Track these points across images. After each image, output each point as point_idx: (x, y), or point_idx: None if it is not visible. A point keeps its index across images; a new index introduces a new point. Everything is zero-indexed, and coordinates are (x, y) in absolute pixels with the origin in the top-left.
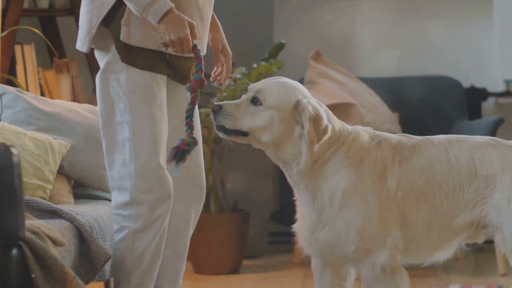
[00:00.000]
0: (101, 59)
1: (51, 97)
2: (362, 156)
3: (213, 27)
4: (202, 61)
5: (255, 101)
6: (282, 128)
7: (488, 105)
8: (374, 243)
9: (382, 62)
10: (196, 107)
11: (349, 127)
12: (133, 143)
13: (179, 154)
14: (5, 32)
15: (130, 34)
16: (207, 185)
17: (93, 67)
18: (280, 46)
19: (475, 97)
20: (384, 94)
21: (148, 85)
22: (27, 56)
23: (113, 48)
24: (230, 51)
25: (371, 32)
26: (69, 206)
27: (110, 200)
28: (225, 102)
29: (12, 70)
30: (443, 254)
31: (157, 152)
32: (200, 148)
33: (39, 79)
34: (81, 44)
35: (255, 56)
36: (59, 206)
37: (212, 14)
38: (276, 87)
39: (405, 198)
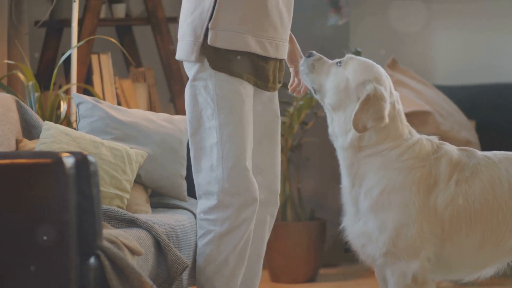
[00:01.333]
0: (190, 68)
1: (128, 106)
2: (415, 166)
3: (289, 40)
4: None
5: (338, 63)
6: (344, 96)
7: None
8: (406, 251)
9: (458, 69)
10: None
11: (415, 133)
12: (220, 148)
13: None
14: (82, 42)
15: (217, 36)
16: (284, 193)
17: (170, 76)
18: (357, 54)
19: None
20: (460, 101)
21: (236, 90)
22: (103, 66)
23: (202, 57)
24: None
25: (447, 39)
26: (146, 215)
27: (187, 209)
28: (318, 55)
29: (89, 80)
30: (487, 272)
31: (244, 156)
32: (277, 153)
33: (116, 88)
34: (188, 54)
35: None
36: (136, 215)
37: None
38: (363, 61)
39: (455, 218)
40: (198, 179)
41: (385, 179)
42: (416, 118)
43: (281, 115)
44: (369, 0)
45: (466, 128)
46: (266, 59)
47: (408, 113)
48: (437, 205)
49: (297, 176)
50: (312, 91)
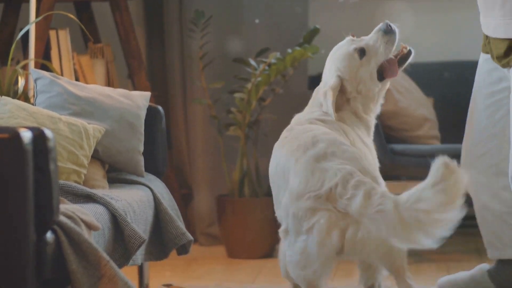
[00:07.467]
0: None
1: (86, 82)
2: None
3: None
4: None
5: None
6: None
7: None
8: None
9: (417, 46)
10: None
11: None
12: None
13: None
14: (40, 18)
15: None
16: (242, 169)
17: (128, 53)
18: (315, 31)
19: None
20: (418, 79)
21: None
22: (62, 41)
23: None
24: None
25: (404, 18)
26: (103, 191)
27: (144, 185)
28: None
29: (47, 55)
30: None
31: None
32: None
33: (74, 64)
34: None
35: (290, 41)
36: (93, 191)
37: None
38: None
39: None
40: None
41: None
42: None
43: (239, 91)
44: None
45: (424, 105)
46: None
47: None
48: None
49: (254, 153)
50: None
